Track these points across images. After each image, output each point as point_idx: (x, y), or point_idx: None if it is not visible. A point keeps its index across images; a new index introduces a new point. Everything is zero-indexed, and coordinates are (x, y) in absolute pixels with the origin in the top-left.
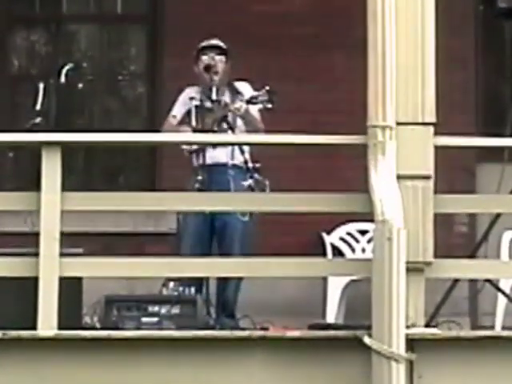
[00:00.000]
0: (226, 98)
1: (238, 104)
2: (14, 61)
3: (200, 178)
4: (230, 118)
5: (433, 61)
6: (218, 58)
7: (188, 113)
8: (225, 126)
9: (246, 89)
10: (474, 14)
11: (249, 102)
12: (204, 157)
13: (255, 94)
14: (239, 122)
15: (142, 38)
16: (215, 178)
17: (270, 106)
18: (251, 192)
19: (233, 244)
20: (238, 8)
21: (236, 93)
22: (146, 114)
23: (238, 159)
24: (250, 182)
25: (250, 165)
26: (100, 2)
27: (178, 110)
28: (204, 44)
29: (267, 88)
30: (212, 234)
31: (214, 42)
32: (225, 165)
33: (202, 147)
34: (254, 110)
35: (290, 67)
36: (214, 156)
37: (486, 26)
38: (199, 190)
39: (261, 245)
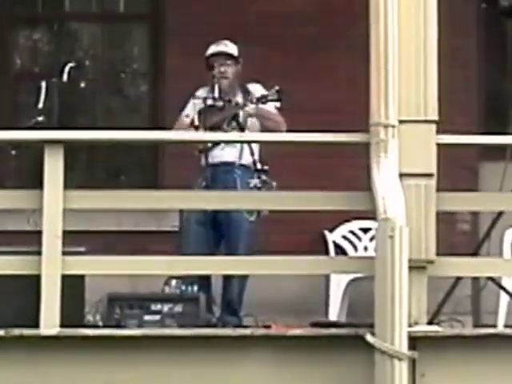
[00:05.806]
0: (239, 99)
1: (249, 107)
2: (17, 59)
3: (207, 176)
4: (240, 118)
5: (435, 59)
6: (227, 64)
7: (199, 112)
8: (234, 124)
9: (256, 89)
10: (477, 12)
11: (258, 101)
12: (212, 156)
13: (264, 93)
14: (250, 123)
15: (144, 37)
16: (221, 177)
17: (278, 105)
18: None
19: (238, 243)
20: (239, 7)
21: (247, 94)
22: (148, 113)
23: (247, 160)
24: (256, 181)
25: (259, 166)
26: (102, 0)
27: (190, 110)
28: (211, 52)
29: (277, 88)
30: (216, 232)
31: (222, 48)
32: (232, 164)
33: (210, 147)
34: (270, 107)
35: (291, 66)
36: (221, 155)
37: (489, 24)
38: (205, 188)
39: (263, 243)
